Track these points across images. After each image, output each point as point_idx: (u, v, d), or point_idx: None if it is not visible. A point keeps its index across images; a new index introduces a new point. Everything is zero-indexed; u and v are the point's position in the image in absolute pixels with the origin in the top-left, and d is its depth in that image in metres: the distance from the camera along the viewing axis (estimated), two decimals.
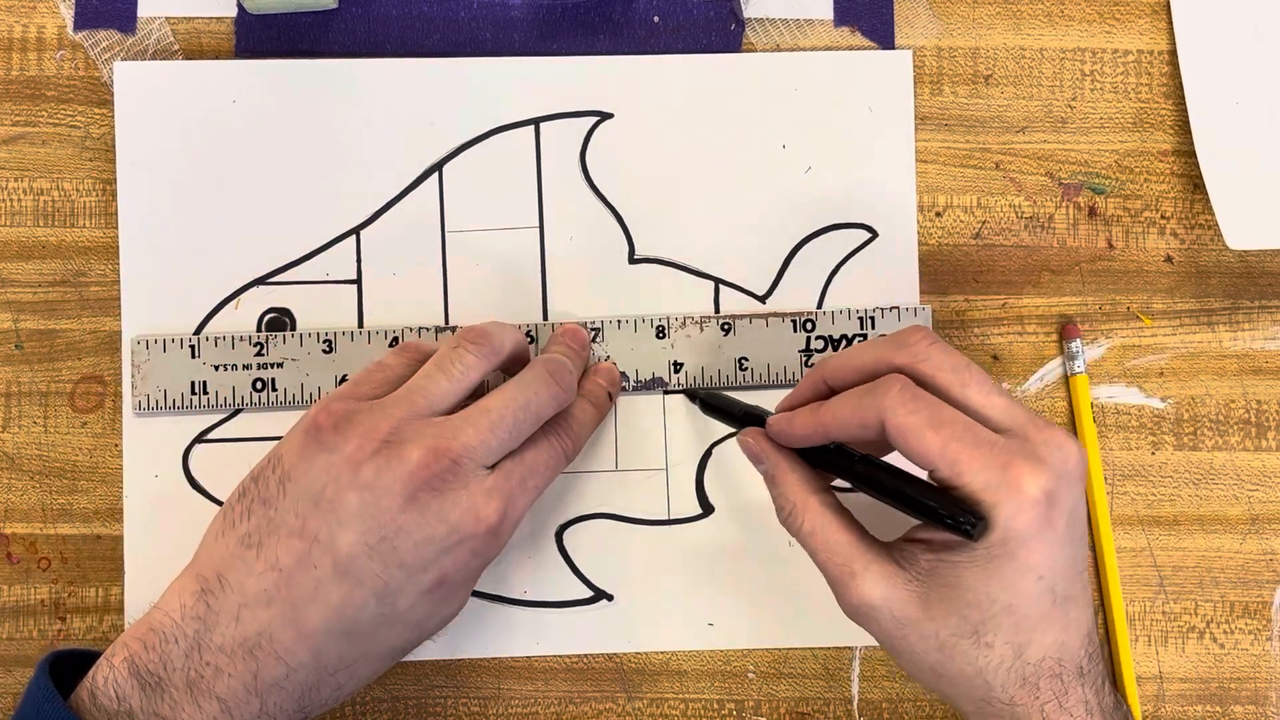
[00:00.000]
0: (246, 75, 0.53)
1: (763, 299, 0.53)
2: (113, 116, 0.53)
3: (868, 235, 0.53)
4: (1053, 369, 0.54)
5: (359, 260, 0.53)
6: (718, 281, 0.53)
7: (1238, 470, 0.54)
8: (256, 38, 0.53)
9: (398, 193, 0.53)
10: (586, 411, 0.50)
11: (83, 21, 0.53)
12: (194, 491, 0.52)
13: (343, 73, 0.53)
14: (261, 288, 0.53)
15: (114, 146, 0.53)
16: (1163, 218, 0.54)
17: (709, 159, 0.53)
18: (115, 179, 0.53)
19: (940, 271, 0.54)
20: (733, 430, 0.53)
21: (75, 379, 0.53)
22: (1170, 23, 0.55)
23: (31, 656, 0.52)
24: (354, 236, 0.53)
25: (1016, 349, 0.54)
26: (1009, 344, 0.54)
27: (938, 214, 0.54)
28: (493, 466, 0.45)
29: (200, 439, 0.52)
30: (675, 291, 0.53)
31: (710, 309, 0.53)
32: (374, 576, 0.42)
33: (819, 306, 0.53)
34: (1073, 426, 0.54)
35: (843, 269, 0.53)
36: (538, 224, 0.53)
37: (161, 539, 0.52)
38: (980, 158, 0.54)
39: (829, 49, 0.54)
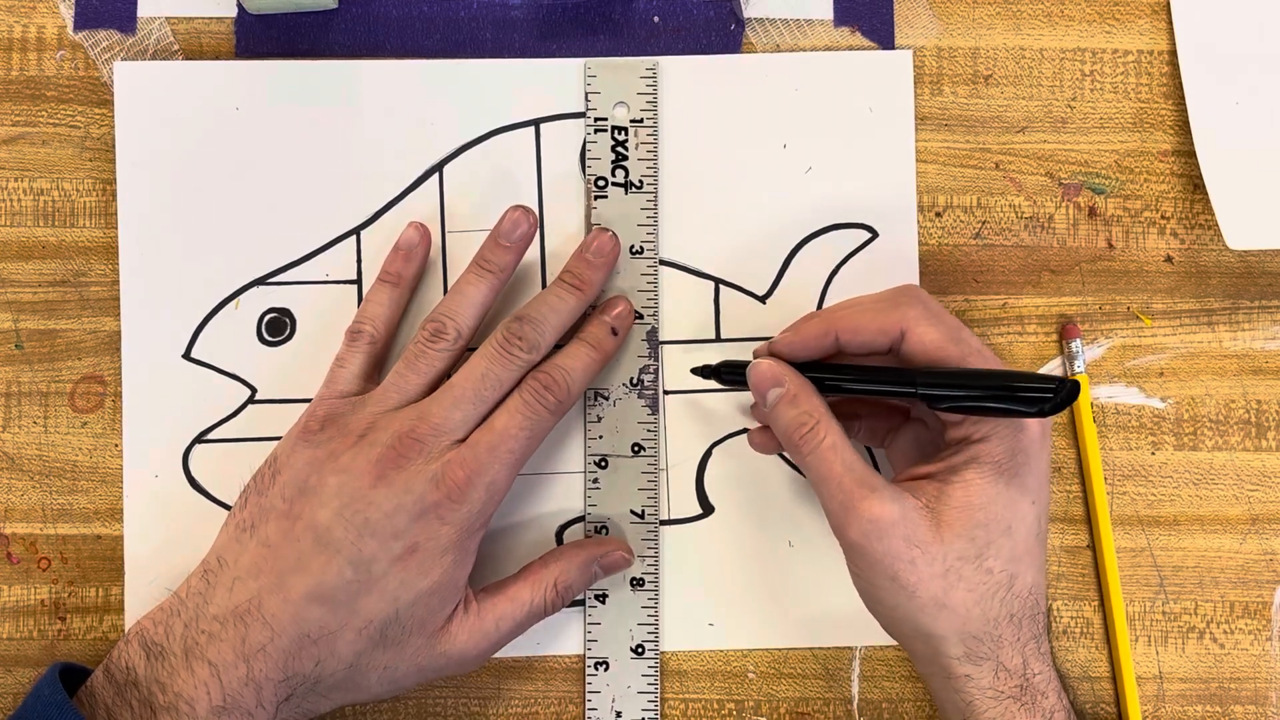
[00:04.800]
0: (247, 75, 0.53)
1: (763, 299, 0.53)
2: (113, 116, 0.53)
3: (868, 235, 0.53)
4: (1053, 369, 0.54)
5: (359, 260, 0.53)
6: (718, 282, 0.53)
7: (1238, 470, 0.54)
8: (256, 38, 0.53)
9: (398, 193, 0.53)
10: (580, 357, 0.49)
11: (83, 21, 0.53)
12: (194, 491, 0.52)
13: (343, 73, 0.53)
14: (262, 288, 0.53)
15: (114, 146, 0.53)
16: (1163, 218, 0.54)
17: (709, 159, 0.53)
18: (115, 179, 0.53)
19: (940, 271, 0.54)
20: (736, 430, 0.53)
21: (75, 379, 0.53)
22: (1170, 23, 0.55)
23: (31, 656, 0.52)
24: (354, 237, 0.53)
25: (1016, 349, 0.54)
26: (1009, 344, 0.54)
27: (938, 214, 0.54)
28: (465, 438, 0.47)
29: (200, 439, 0.52)
30: (675, 292, 0.53)
31: (710, 309, 0.53)
32: (349, 545, 0.46)
33: (819, 307, 0.53)
34: (1073, 426, 0.54)
35: (843, 269, 0.53)
36: (538, 224, 0.53)
37: (161, 539, 0.52)
38: (980, 158, 0.54)
39: (829, 49, 0.54)
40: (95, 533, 0.53)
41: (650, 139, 0.53)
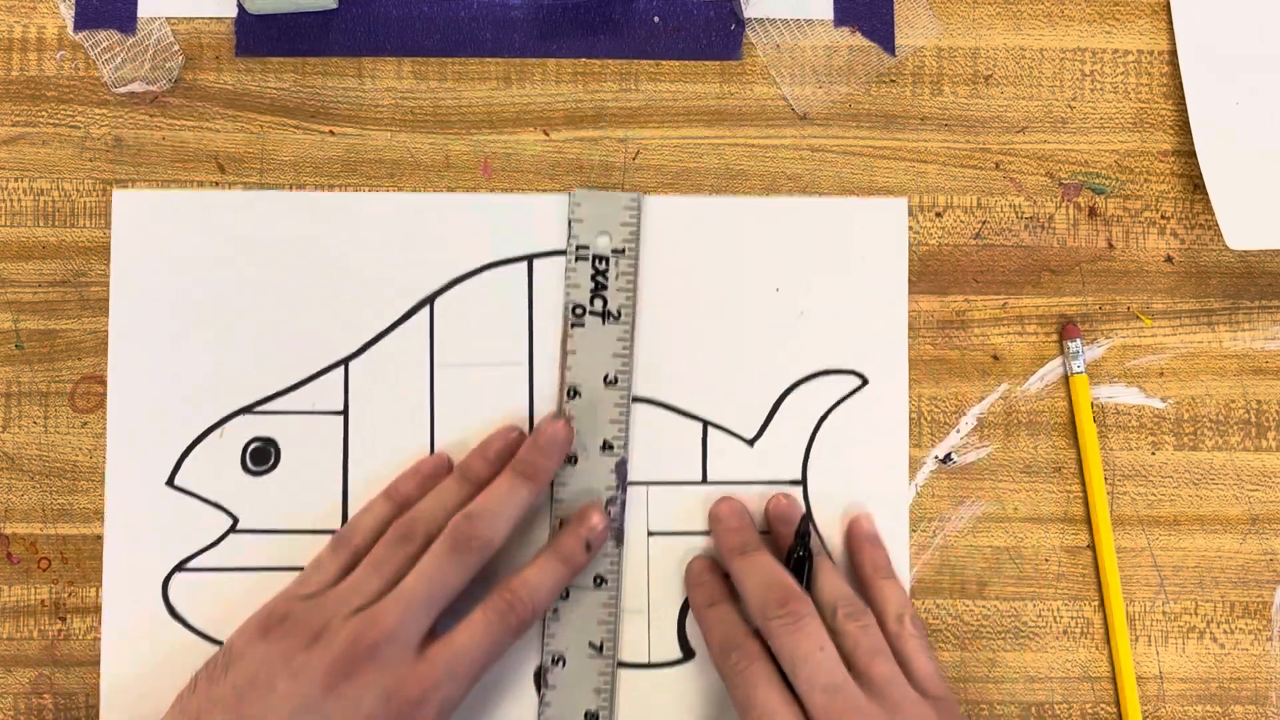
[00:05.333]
0: (240, 204, 0.52)
1: (751, 442, 0.53)
2: (112, 117, 0.53)
3: (858, 382, 0.53)
4: (1053, 369, 0.54)
5: (346, 391, 0.52)
6: (706, 423, 0.53)
7: (1238, 470, 0.54)
8: (256, 38, 0.53)
9: (388, 325, 0.52)
10: (547, 572, 0.49)
11: (83, 21, 0.53)
12: (173, 620, 0.52)
13: (337, 204, 0.53)
14: (247, 416, 0.52)
15: (109, 271, 0.52)
16: (1163, 218, 0.54)
17: (702, 299, 0.53)
18: (113, 180, 0.53)
19: (940, 271, 0.54)
20: None
21: (75, 379, 0.53)
22: (1170, 23, 0.55)
23: (31, 656, 0.52)
24: (343, 367, 0.52)
25: (1016, 349, 0.54)
26: (1009, 344, 0.54)
27: (938, 214, 0.54)
28: (426, 645, 0.47)
29: (180, 567, 0.52)
30: (663, 431, 0.53)
31: (698, 450, 0.53)
32: None
33: (807, 452, 0.53)
34: (1073, 426, 0.54)
35: (832, 415, 0.53)
36: (527, 360, 0.53)
37: (139, 667, 0.51)
38: (980, 158, 0.54)
39: (829, 48, 0.54)
40: (95, 533, 0.52)
41: (630, 269, 0.52)
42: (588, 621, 0.52)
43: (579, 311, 0.52)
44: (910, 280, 0.54)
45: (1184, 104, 0.54)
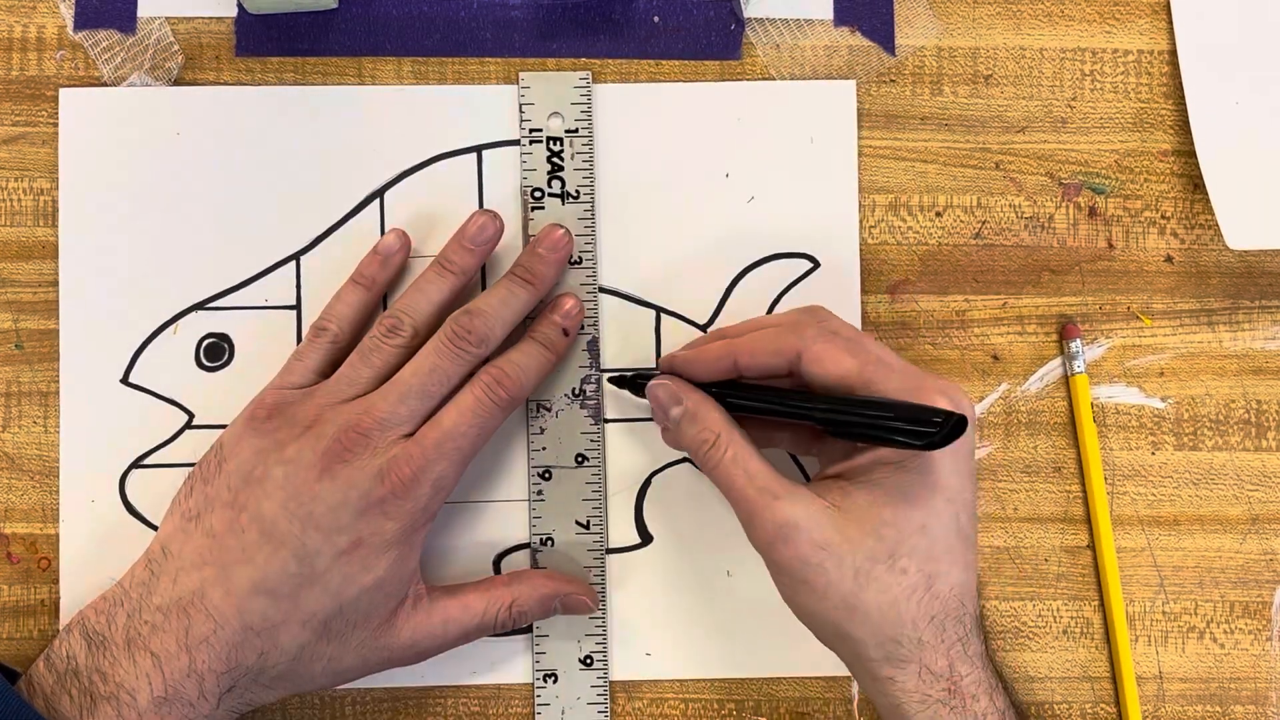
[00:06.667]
0: (189, 101, 0.52)
1: (704, 328, 0.53)
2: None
3: (810, 265, 0.53)
4: (1053, 369, 0.54)
5: (299, 286, 0.52)
6: (659, 310, 0.53)
7: (1238, 470, 0.54)
8: (256, 38, 0.53)
9: (339, 218, 0.53)
10: (531, 355, 0.50)
11: (83, 21, 0.53)
12: (130, 517, 0.52)
13: (284, 99, 0.53)
14: (200, 313, 0.52)
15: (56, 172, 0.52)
16: (1163, 218, 0.54)
17: (651, 187, 0.53)
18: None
19: (940, 271, 0.54)
20: (675, 459, 0.53)
21: None
22: (1170, 23, 0.55)
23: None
24: (294, 262, 0.52)
25: (1016, 349, 0.54)
26: (1009, 344, 0.54)
27: (938, 214, 0.54)
28: (413, 433, 0.47)
29: (137, 464, 0.52)
30: (616, 320, 0.53)
31: (651, 338, 0.53)
32: (294, 538, 0.46)
33: None
34: (1072, 426, 0.54)
35: (784, 299, 0.53)
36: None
37: (97, 565, 0.51)
38: (980, 158, 0.54)
39: (829, 48, 0.54)
40: None
41: (586, 149, 0.52)
42: (573, 500, 0.52)
43: (538, 195, 0.52)
44: (910, 280, 0.54)
45: (1184, 104, 0.54)
